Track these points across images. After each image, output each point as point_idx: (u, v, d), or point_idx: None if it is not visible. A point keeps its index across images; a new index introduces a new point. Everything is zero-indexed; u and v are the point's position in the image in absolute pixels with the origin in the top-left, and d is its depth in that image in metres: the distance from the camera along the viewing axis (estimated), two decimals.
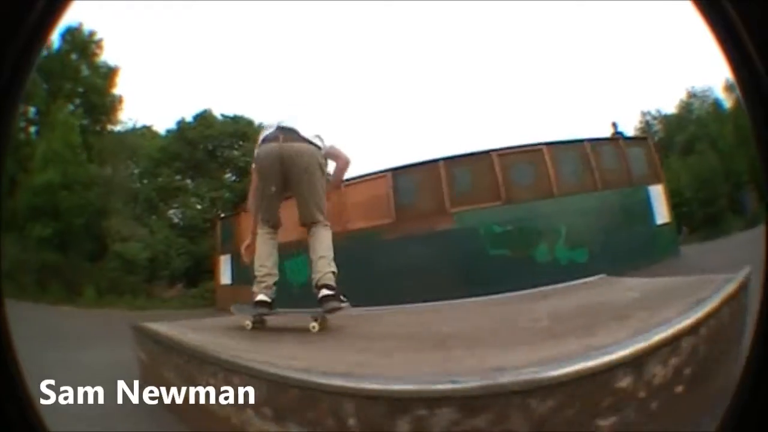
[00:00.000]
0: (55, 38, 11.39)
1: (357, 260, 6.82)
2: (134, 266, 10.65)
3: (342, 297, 2.97)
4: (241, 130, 13.63)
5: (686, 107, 12.97)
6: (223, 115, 13.88)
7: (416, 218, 7.15)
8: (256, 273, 3.25)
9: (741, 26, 0.94)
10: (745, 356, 1.02)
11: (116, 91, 12.30)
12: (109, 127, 12.44)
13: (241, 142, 13.56)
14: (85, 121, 11.86)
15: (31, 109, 11.34)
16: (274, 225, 3.50)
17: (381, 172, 7.51)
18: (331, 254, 3.17)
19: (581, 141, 8.44)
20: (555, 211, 7.55)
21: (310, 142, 3.13)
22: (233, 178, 13.37)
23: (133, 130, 12.70)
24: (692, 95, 12.79)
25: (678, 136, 12.31)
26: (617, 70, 11.23)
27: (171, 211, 12.96)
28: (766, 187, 1.02)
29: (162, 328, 3.24)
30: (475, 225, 7.18)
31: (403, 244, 6.99)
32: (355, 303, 3.60)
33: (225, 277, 9.35)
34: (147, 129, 13.33)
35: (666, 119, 13.11)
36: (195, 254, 12.10)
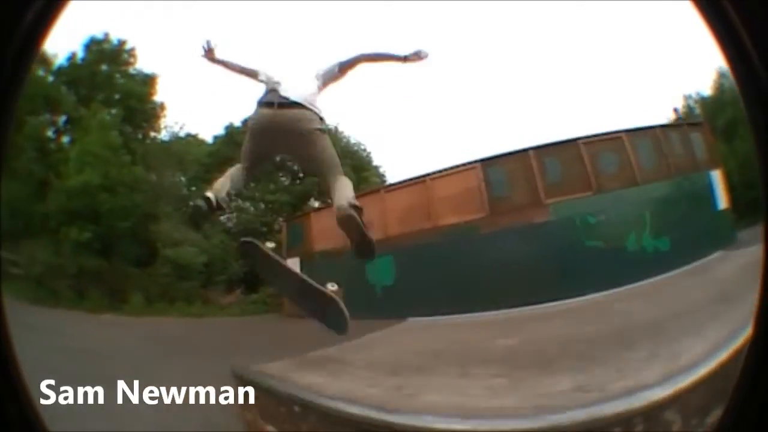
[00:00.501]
0: (79, 48, 11.41)
1: (453, 257, 6.52)
2: (188, 271, 10.04)
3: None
4: None
5: (719, 88, 12.93)
6: None
7: (511, 211, 6.85)
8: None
9: (740, 26, 0.94)
10: (744, 356, 1.01)
11: (157, 98, 11.99)
12: (152, 134, 12.11)
13: None
14: (126, 129, 11.32)
15: (61, 118, 11.15)
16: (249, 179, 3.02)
17: (469, 163, 7.15)
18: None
19: (653, 127, 8.31)
20: (640, 200, 7.39)
21: (307, 108, 2.76)
22: (288, 181, 12.98)
23: (177, 138, 12.22)
24: (722, 75, 12.76)
25: (719, 119, 12.29)
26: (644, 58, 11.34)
27: (223, 217, 12.25)
28: (765, 187, 1.01)
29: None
30: (571, 216, 6.96)
31: (500, 238, 6.70)
32: (460, 308, 3.42)
33: None
34: (192, 137, 12.87)
35: (703, 102, 13.06)
36: None
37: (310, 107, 2.76)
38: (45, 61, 11.66)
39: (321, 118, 2.81)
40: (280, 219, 11.15)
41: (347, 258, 7.18)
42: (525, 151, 7.21)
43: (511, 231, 6.73)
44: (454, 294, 6.38)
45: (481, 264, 6.42)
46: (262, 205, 12.39)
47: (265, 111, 2.71)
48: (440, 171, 7.02)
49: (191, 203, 2.73)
